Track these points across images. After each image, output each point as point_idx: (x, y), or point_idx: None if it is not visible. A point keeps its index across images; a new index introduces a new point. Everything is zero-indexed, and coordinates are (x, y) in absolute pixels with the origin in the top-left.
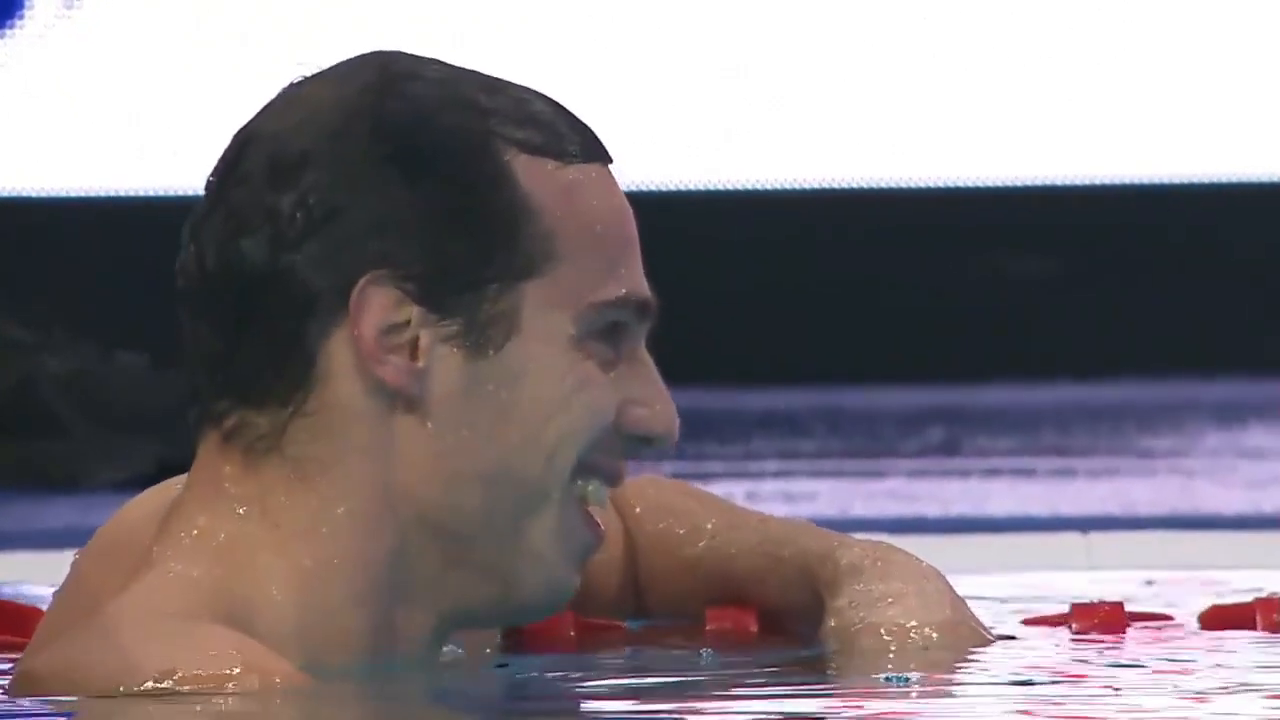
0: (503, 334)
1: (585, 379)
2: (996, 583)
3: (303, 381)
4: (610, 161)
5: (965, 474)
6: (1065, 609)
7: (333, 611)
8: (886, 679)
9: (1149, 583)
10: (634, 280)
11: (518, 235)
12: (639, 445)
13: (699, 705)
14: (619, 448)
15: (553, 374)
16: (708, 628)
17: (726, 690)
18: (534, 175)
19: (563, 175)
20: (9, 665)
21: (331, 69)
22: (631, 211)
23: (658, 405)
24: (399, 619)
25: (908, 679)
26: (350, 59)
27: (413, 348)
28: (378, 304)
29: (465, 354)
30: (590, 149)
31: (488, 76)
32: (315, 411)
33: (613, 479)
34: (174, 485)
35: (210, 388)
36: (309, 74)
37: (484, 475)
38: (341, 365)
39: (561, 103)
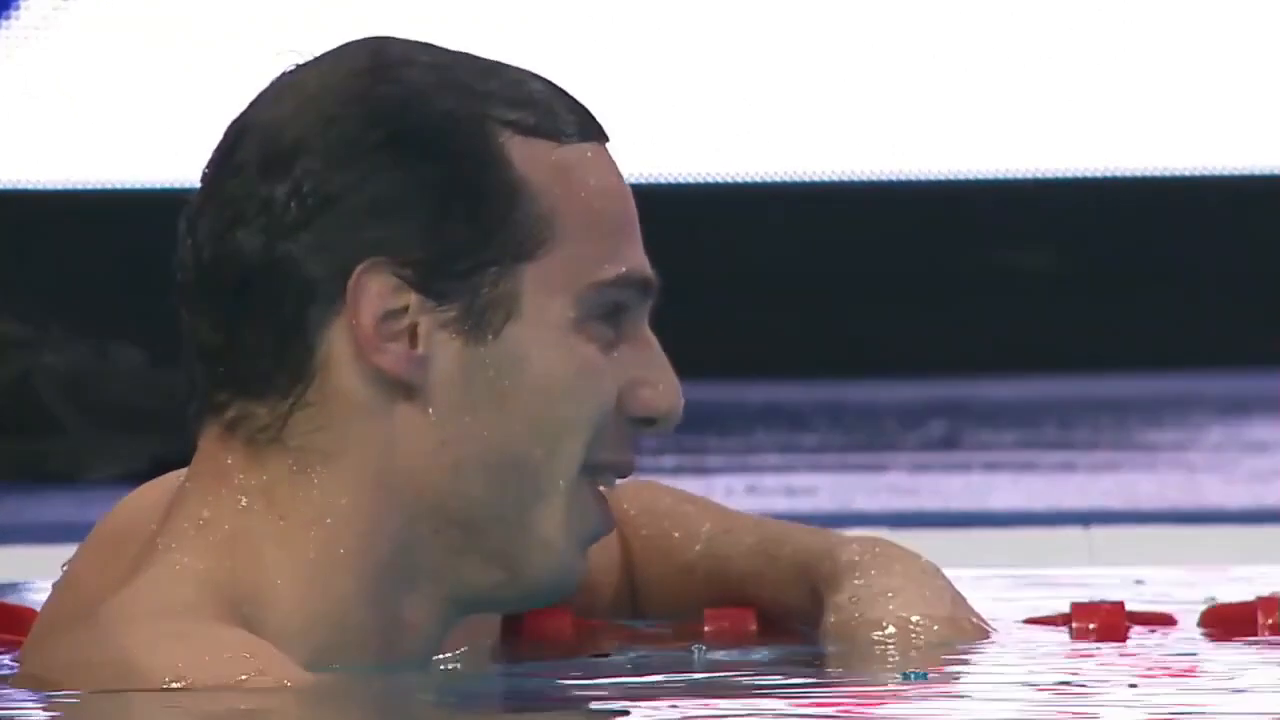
0: (501, 318)
1: (586, 362)
2: (998, 577)
3: (303, 372)
4: (607, 140)
5: (967, 468)
6: (1066, 604)
7: (340, 601)
8: (905, 676)
9: (1139, 582)
10: (634, 258)
11: (514, 217)
12: (644, 426)
13: (713, 704)
14: (626, 435)
15: (553, 358)
16: (706, 628)
17: (737, 690)
18: (529, 156)
19: (558, 155)
20: (7, 662)
21: (324, 55)
22: (630, 189)
23: (661, 384)
24: (406, 607)
25: (926, 675)
26: (343, 45)
27: (412, 335)
28: (375, 291)
29: (464, 340)
30: (586, 128)
31: (482, 59)
32: (316, 402)
33: (623, 472)
34: (176, 477)
35: (210, 380)
36: (302, 62)
37: (487, 462)
38: (341, 354)
39: (557, 83)
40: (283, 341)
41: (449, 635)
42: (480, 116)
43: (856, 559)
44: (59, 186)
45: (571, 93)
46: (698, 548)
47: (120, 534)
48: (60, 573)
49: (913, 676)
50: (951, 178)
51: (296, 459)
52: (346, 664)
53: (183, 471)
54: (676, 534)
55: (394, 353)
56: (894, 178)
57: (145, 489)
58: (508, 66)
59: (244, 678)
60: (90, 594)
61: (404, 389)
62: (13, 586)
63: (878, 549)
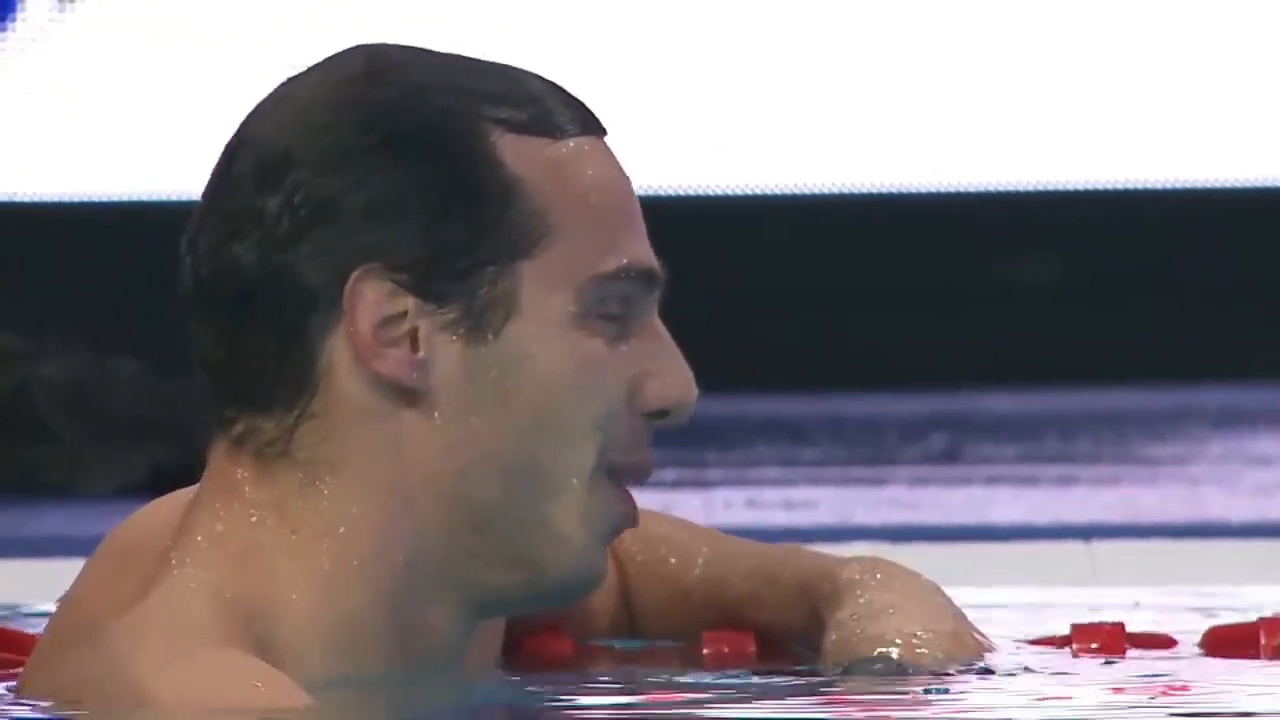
0: (501, 317)
1: (588, 356)
2: (998, 595)
3: (306, 383)
4: (604, 134)
5: (967, 481)
6: (1067, 619)
7: (355, 613)
8: (927, 691)
9: (1137, 604)
10: (635, 250)
11: (508, 216)
12: (656, 420)
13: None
14: (641, 432)
15: (554, 354)
16: (705, 651)
17: (759, 709)
18: (522, 154)
19: (553, 151)
20: (11, 677)
21: (317, 65)
22: (630, 182)
23: (670, 376)
24: (425, 615)
25: (948, 690)
26: (336, 53)
27: (412, 339)
28: (371, 298)
29: (465, 341)
30: (582, 123)
31: (474, 60)
32: (321, 413)
33: (642, 473)
34: (186, 493)
35: (216, 394)
36: (296, 73)
37: (495, 464)
38: (342, 363)
39: (554, 80)
40: (285, 353)
41: (471, 640)
42: (472, 116)
43: (857, 577)
44: (57, 198)
45: (569, 90)
46: (695, 572)
47: (130, 549)
48: (62, 589)
49: (935, 691)
50: (952, 190)
51: (305, 471)
52: (364, 676)
53: (194, 488)
54: (673, 560)
55: (394, 358)
56: (894, 190)
57: (156, 505)
58: (501, 65)
59: (251, 705)
60: (99, 610)
61: (407, 395)
62: (10, 606)
63: (877, 568)
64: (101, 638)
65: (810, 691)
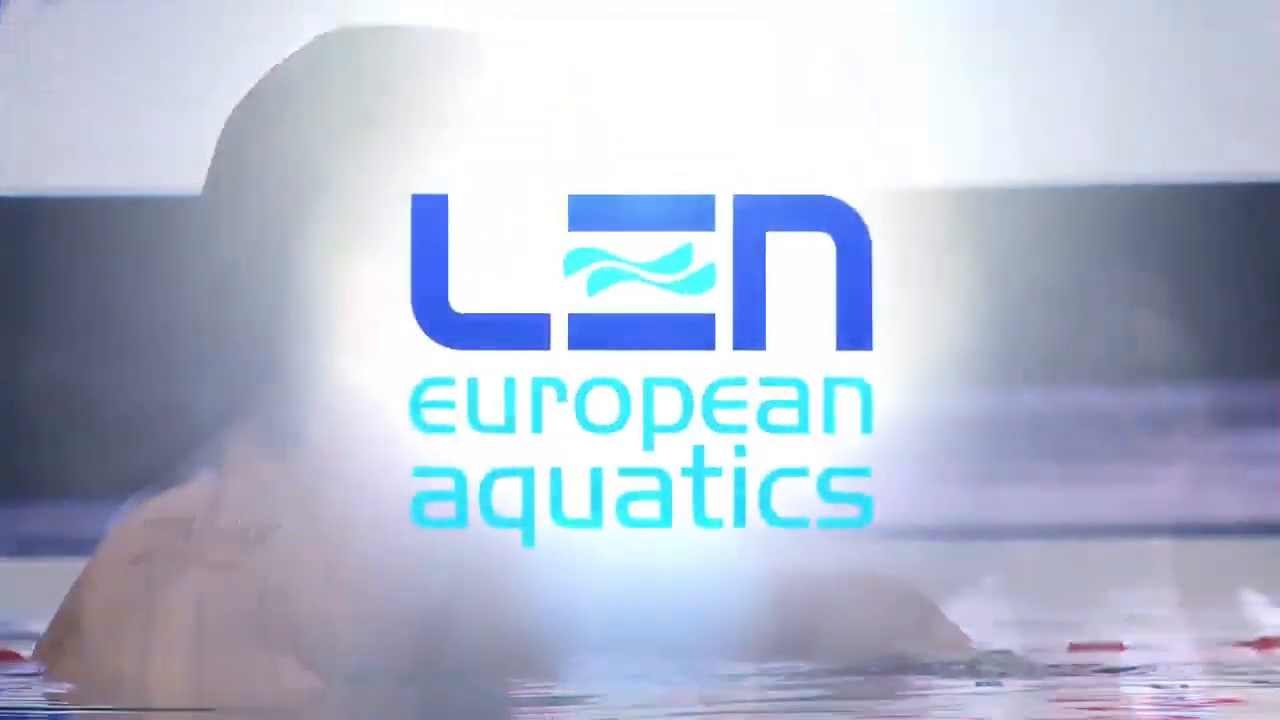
0: None
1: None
2: (995, 598)
3: (309, 373)
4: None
5: (966, 479)
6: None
7: (380, 603)
8: (979, 684)
9: (1130, 619)
10: None
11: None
12: None
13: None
14: None
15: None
16: None
17: (805, 711)
18: None
19: None
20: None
21: (290, 56)
22: None
23: None
24: (450, 601)
25: (1000, 682)
26: (308, 43)
27: None
28: None
29: None
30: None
31: (441, 29)
32: (325, 402)
33: None
34: (200, 489)
35: (226, 389)
36: (273, 66)
37: None
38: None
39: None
40: (288, 345)
41: (500, 630)
42: (446, 87)
43: (840, 590)
44: (45, 194)
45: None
46: None
47: (141, 546)
48: (55, 589)
49: (985, 684)
50: (952, 187)
51: (317, 461)
52: (393, 668)
53: (196, 487)
54: None
55: None
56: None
57: (160, 503)
58: (471, 32)
59: (283, 705)
60: (114, 609)
61: None
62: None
63: (857, 577)
64: (123, 637)
65: (857, 698)
